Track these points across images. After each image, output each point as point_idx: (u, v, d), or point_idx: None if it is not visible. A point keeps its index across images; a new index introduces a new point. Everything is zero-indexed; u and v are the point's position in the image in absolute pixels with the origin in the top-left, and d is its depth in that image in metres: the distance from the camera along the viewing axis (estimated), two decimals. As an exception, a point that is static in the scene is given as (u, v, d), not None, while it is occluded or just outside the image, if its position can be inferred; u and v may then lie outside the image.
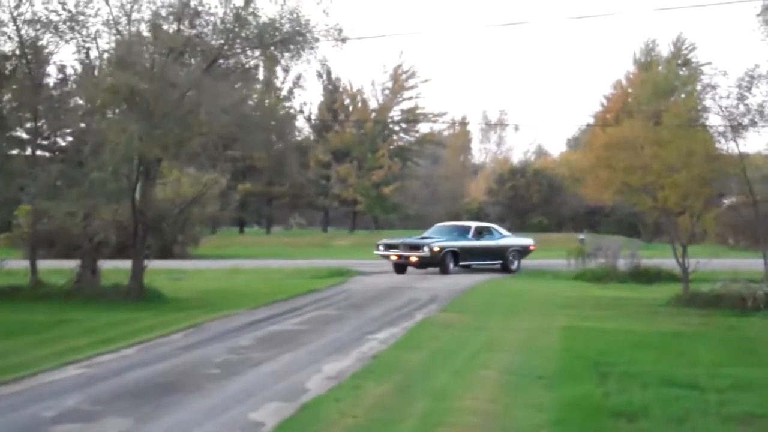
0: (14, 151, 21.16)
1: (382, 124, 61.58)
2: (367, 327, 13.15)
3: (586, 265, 23.69)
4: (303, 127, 63.98)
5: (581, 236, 28.39)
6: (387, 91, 61.83)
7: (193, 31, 17.42)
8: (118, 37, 16.65)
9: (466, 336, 12.26)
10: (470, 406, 7.80)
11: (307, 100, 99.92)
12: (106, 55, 16.60)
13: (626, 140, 15.75)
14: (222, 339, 12.00)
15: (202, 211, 39.14)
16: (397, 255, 24.76)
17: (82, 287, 17.96)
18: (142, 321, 14.18)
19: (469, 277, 23.71)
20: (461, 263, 25.00)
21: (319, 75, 66.94)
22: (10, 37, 18.12)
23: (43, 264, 21.22)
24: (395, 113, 63.13)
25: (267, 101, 60.60)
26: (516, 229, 59.62)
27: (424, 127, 65.11)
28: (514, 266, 26.07)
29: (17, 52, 18.29)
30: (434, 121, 63.56)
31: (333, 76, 66.60)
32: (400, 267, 25.02)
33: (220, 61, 17.43)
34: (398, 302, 16.98)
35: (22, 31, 17.82)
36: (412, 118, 62.16)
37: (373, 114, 62.13)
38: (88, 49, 17.75)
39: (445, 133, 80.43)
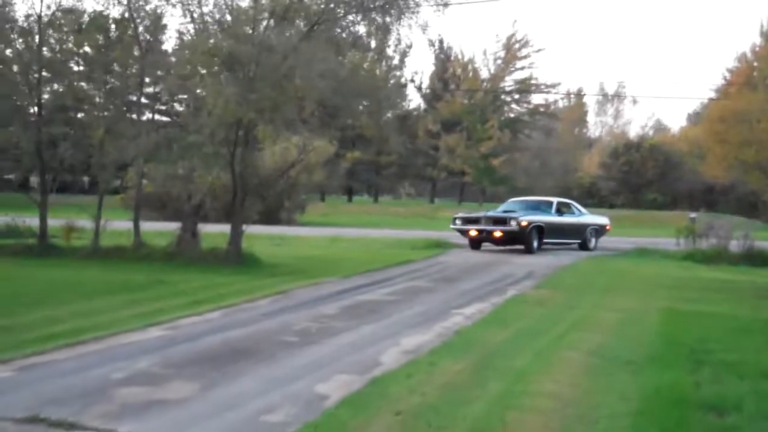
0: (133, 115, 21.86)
1: (493, 95, 60.65)
2: (455, 301, 12.83)
3: (697, 245, 22.60)
4: (411, 98, 63.83)
5: (692, 215, 27.11)
6: (499, 61, 60.92)
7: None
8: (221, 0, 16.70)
9: (557, 314, 11.78)
10: (548, 389, 7.38)
11: (418, 70, 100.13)
12: (207, 19, 16.67)
13: (741, 113, 14.77)
14: (307, 307, 11.91)
15: (308, 178, 39.63)
16: (476, 230, 23.07)
17: (182, 250, 18.30)
18: (234, 285, 14.26)
19: (568, 254, 22.95)
20: (546, 240, 23.36)
21: (431, 44, 66.64)
22: (119, 1, 18.55)
23: (151, 226, 21.87)
24: (507, 83, 62.07)
25: (377, 70, 61.06)
26: (630, 205, 58.22)
27: (537, 99, 63.87)
28: (592, 245, 25.04)
29: (126, 15, 18.73)
30: (547, 92, 62.26)
31: (445, 45, 66.11)
32: (477, 243, 23.54)
33: (322, 27, 17.29)
34: (492, 277, 16.57)
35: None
36: (524, 88, 60.99)
37: (485, 84, 61.24)
38: (193, 12, 17.98)
39: (560, 105, 78.77)
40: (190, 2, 17.26)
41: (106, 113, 19.49)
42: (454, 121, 59.89)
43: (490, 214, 23.88)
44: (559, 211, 24.65)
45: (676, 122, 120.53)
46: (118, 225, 20.13)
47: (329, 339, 9.43)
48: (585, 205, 56.27)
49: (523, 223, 22.26)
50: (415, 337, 9.56)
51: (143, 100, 21.55)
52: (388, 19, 17.19)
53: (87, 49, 21.38)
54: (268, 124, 14.97)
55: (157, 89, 30.40)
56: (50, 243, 19.58)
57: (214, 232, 18.99)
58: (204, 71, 15.16)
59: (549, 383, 7.61)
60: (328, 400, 6.77)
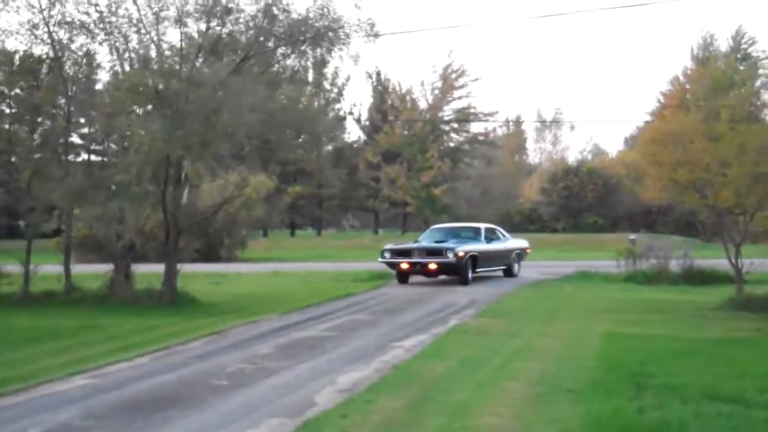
0: (71, 156, 21.25)
1: (432, 125, 60.91)
2: (396, 333, 12.54)
3: (637, 266, 22.70)
4: (350, 130, 63.77)
5: (632, 236, 27.31)
6: (437, 91, 61.21)
7: (224, 30, 17.08)
8: (147, 36, 16.35)
9: (499, 343, 11.58)
10: (488, 423, 7.14)
11: (357, 102, 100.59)
12: (132, 55, 16.28)
13: (675, 134, 14.87)
14: (241, 347, 11.50)
15: (248, 214, 39.09)
16: (408, 263, 21.34)
17: (115, 292, 17.73)
18: (168, 327, 13.80)
19: (511, 281, 22.83)
20: (477, 270, 21.87)
21: (369, 76, 66.77)
22: (42, 40, 18.05)
23: (87, 268, 21.23)
24: (445, 113, 62.39)
25: (315, 103, 60.93)
26: (571, 229, 58.74)
27: (477, 127, 64.24)
28: (516, 270, 24.10)
29: (50, 54, 18.23)
30: (485, 121, 62.65)
31: (382, 76, 66.32)
32: (406, 276, 21.91)
33: (252, 61, 17.05)
34: (434, 306, 16.34)
35: (54, 35, 17.75)
36: (462, 117, 61.38)
37: (423, 114, 61.53)
38: (119, 50, 17.56)
39: (499, 132, 79.53)
40: (115, 39, 16.91)
41: (36, 155, 18.95)
42: (395, 152, 59.92)
43: (424, 245, 22.21)
44: (488, 238, 23.37)
45: (613, 146, 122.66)
46: (52, 269, 19.45)
47: (262, 380, 9.06)
48: (526, 231, 57.04)
49: (461, 254, 20.89)
50: (352, 374, 9.25)
51: (77, 140, 21.06)
52: (318, 51, 17.04)
53: (17, 90, 20.80)
54: (197, 160, 14.55)
55: (91, 129, 29.81)
56: (-26, 291, 18.82)
57: (150, 272, 18.47)
58: (131, 108, 14.72)
59: (489, 416, 7.37)
60: (257, 447, 6.43)
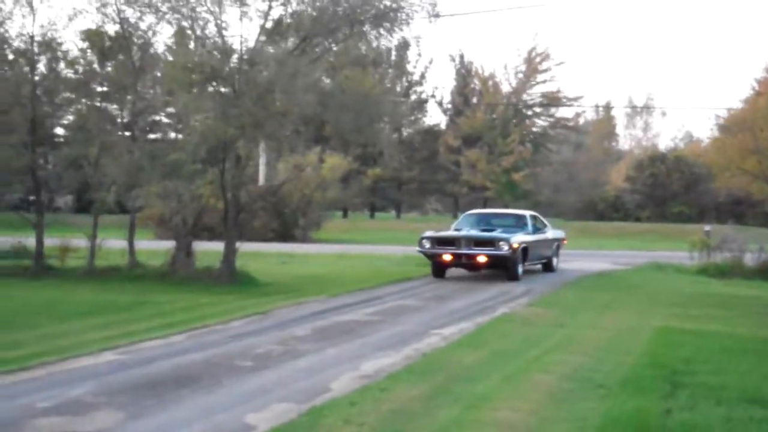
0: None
1: (514, 109, 59.96)
2: (438, 321, 12.28)
3: (711, 258, 21.82)
4: (431, 114, 63.34)
5: (707, 228, 26.23)
6: (520, 75, 60.12)
7: (287, 9, 17.01)
8: (209, 16, 16.38)
9: (542, 334, 11.20)
10: (502, 417, 6.85)
11: (438, 85, 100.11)
12: (196, 33, 16.34)
13: (743, 121, 14.10)
14: (279, 328, 11.44)
15: (322, 194, 39.29)
16: (453, 254, 18.36)
17: (176, 269, 17.98)
18: (217, 305, 13.87)
19: (574, 271, 22.05)
20: (526, 263, 19.17)
21: (452, 59, 66.22)
22: (112, 19, 18.33)
23: (158, 245, 21.63)
24: (529, 97, 61.28)
25: (397, 86, 60.68)
26: (656, 218, 57.03)
27: (561, 112, 62.93)
28: (555, 264, 21.51)
29: (119, 32, 18.50)
30: (570, 106, 61.20)
31: (465, 60, 65.66)
32: (444, 269, 19.08)
33: (314, 41, 16.94)
34: (488, 294, 16.00)
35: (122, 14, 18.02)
36: (546, 102, 60.20)
37: (506, 98, 60.64)
38: (185, 29, 17.69)
39: (587, 118, 77.94)
40: (180, 18, 17.02)
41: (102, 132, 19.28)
42: (476, 136, 59.25)
43: (472, 234, 18.91)
44: (535, 228, 20.49)
45: (706, 134, 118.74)
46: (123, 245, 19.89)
47: (287, 363, 8.95)
48: (610, 219, 55.66)
49: (515, 245, 18.02)
50: (378, 361, 9.05)
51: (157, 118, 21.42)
52: (380, 31, 16.81)
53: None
54: (250, 141, 14.52)
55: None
56: (46, 264, 19.37)
57: (213, 250, 18.62)
58: (185, 87, 14.78)
59: (506, 411, 7.08)
60: (254, 431, 6.30)
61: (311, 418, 6.62)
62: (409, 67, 62.81)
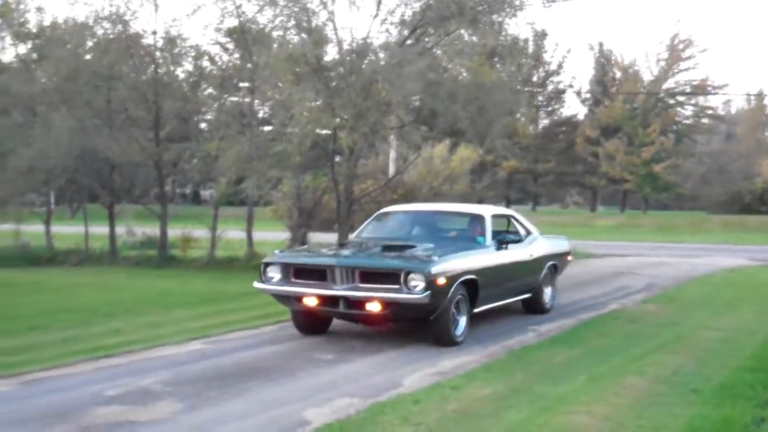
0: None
1: (655, 98, 57.61)
2: (535, 318, 11.76)
3: None
4: (569, 104, 61.77)
5: None
6: (662, 63, 57.73)
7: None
8: (320, 7, 16.39)
9: (648, 333, 10.53)
10: (573, 422, 6.40)
11: (576, 75, 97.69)
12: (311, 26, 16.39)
13: None
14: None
15: (451, 187, 38.88)
16: (319, 297, 9.40)
17: (290, 260, 18.14)
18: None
19: (706, 264, 20.85)
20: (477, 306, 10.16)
21: (591, 48, 64.47)
22: (231, 13, 18.66)
23: (277, 236, 21.97)
24: (670, 86, 58.76)
25: (534, 76, 59.59)
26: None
27: (713, 101, 60.12)
28: (548, 299, 12.42)
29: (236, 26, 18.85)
30: (714, 94, 58.31)
31: (604, 48, 63.76)
32: (307, 323, 10.16)
33: (421, 31, 16.68)
34: (605, 289, 15.29)
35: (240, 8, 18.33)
36: (688, 90, 57.58)
37: (646, 87, 58.40)
38: (301, 22, 17.79)
39: (736, 107, 74.16)
40: (295, 13, 17.11)
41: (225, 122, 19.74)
42: (615, 127, 57.40)
43: (359, 258, 9.80)
44: (505, 238, 11.02)
45: None
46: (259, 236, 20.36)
47: (367, 357, 8.73)
48: (757, 213, 52.41)
49: (440, 280, 9.03)
50: (459, 357, 8.70)
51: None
52: (493, 17, 16.38)
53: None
54: (353, 132, 14.40)
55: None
56: (169, 254, 20.05)
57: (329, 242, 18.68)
58: (289, 78, 14.83)
59: (580, 414, 6.62)
60: (307, 426, 6.13)
61: (370, 415, 6.39)
62: (546, 57, 61.57)
